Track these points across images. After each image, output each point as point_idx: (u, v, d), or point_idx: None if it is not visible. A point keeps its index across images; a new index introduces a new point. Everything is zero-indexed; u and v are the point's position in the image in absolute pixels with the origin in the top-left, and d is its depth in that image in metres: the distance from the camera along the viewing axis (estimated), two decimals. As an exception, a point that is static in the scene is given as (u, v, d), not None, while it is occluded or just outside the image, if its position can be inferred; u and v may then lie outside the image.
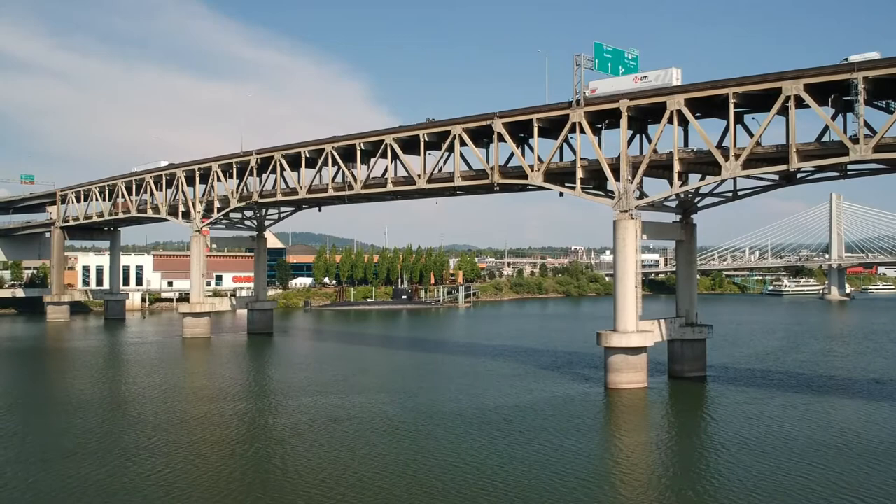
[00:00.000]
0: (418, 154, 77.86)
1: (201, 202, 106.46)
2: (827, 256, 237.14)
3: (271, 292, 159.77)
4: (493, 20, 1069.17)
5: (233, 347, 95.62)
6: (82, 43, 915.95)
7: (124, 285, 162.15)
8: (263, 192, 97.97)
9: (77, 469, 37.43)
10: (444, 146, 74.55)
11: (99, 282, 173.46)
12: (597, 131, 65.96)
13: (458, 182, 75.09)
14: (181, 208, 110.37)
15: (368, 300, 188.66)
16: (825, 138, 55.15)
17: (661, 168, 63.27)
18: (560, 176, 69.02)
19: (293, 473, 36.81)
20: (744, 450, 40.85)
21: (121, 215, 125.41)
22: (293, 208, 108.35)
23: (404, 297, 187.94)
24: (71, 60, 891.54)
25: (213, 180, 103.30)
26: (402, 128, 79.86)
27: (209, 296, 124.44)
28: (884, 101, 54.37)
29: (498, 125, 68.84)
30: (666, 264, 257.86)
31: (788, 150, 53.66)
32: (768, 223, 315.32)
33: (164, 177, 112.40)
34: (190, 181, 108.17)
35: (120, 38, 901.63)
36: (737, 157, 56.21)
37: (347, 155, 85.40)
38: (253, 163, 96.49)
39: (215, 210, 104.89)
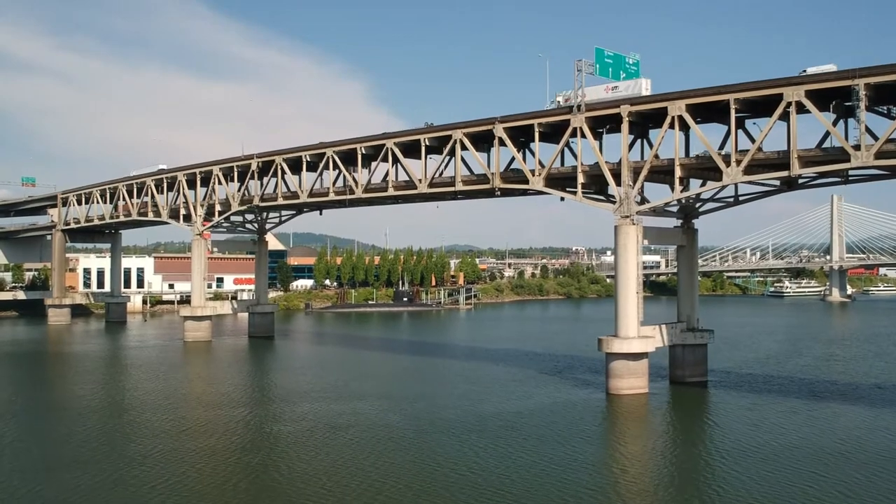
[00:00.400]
0: (419, 158, 77.90)
1: (202, 206, 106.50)
2: (828, 257, 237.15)
3: (272, 294, 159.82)
4: (494, 20, 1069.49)
5: (234, 351, 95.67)
6: (83, 43, 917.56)
7: (125, 287, 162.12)
8: (264, 195, 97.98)
9: (81, 478, 37.40)
10: (446, 150, 74.61)
11: (100, 284, 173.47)
12: (598, 136, 65.96)
13: (459, 187, 75.12)
14: (182, 212, 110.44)
15: (369, 302, 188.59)
16: (826, 144, 55.14)
17: (662, 173, 63.23)
18: (561, 181, 69.04)
19: (297, 483, 36.82)
20: (747, 458, 40.76)
21: (122, 218, 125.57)
22: (294, 212, 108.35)
23: (405, 299, 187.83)
24: (71, 60, 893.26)
25: (214, 184, 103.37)
26: (403, 132, 79.96)
27: (210, 298, 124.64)
28: (885, 107, 54.23)
29: (499, 130, 68.85)
30: (667, 266, 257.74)
31: (790, 156, 53.62)
32: (769, 223, 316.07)
33: (165, 180, 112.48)
34: (191, 184, 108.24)
35: (120, 39, 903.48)
36: (738, 162, 56.20)
37: (348, 159, 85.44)
38: (254, 166, 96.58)
39: (216, 213, 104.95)
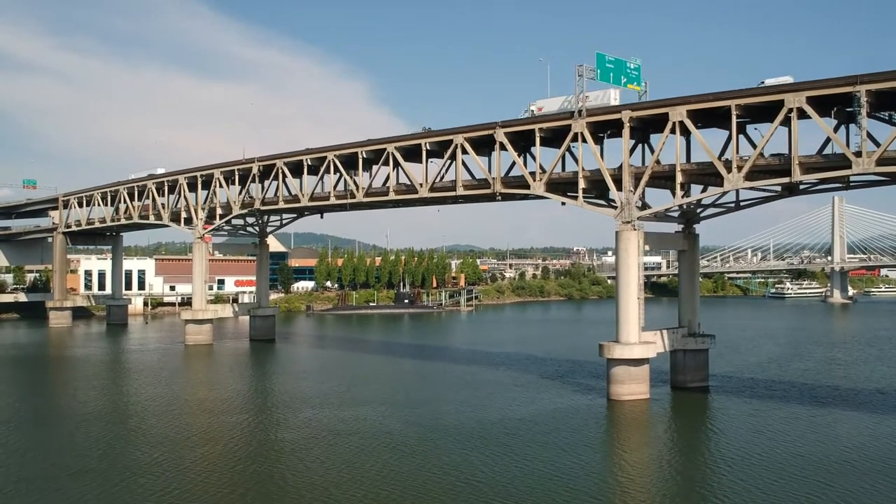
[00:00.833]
0: (420, 161, 77.91)
1: (203, 209, 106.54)
2: (829, 258, 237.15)
3: (273, 296, 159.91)
4: (494, 20, 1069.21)
5: (235, 355, 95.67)
6: (83, 43, 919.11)
7: (126, 289, 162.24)
8: (266, 199, 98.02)
9: (82, 487, 37.48)
10: (447, 154, 74.62)
11: (101, 285, 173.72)
12: (599, 141, 66.01)
13: (460, 192, 75.13)
14: (183, 215, 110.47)
15: (370, 304, 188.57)
16: (827, 149, 55.04)
17: (663, 178, 63.22)
18: (562, 186, 69.02)
19: (301, 491, 36.84)
20: (750, 467, 40.72)
21: (123, 221, 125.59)
22: (295, 215, 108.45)
23: (406, 301, 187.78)
24: (71, 60, 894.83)
25: (215, 187, 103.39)
26: (403, 136, 79.97)
27: (211, 300, 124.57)
28: (886, 113, 54.20)
29: (500, 135, 68.83)
30: (668, 267, 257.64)
31: (791, 163, 53.58)
32: (770, 223, 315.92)
33: (166, 183, 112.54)
34: (192, 187, 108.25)
35: (121, 39, 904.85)
36: (739, 168, 56.15)
37: (350, 162, 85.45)
38: (255, 170, 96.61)
39: (217, 217, 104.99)
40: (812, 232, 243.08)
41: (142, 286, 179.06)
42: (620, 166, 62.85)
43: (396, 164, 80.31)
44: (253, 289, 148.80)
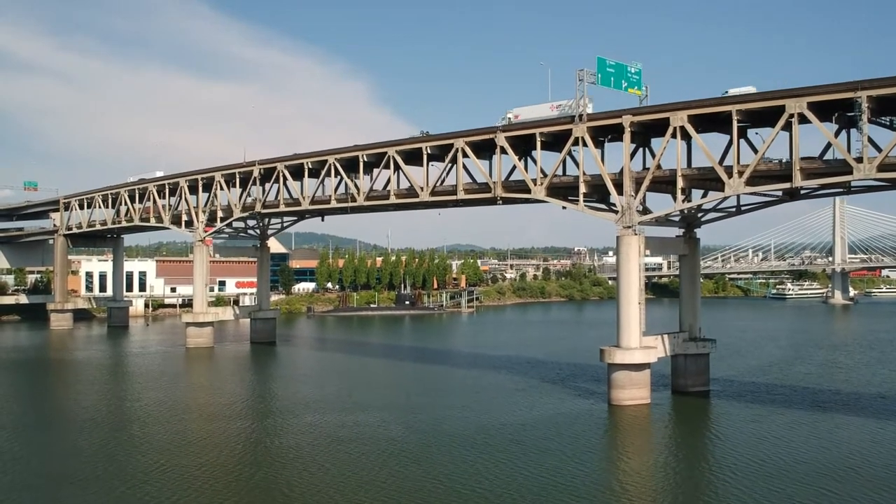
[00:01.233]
0: (421, 165, 77.90)
1: (204, 211, 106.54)
2: (830, 259, 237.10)
3: (274, 297, 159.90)
4: (495, 21, 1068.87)
5: (236, 359, 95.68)
6: (83, 43, 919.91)
7: (127, 291, 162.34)
8: (266, 202, 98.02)
9: (83, 496, 37.51)
10: (447, 158, 74.64)
11: (102, 287, 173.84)
12: (599, 145, 65.99)
13: (461, 196, 75.07)
14: (184, 217, 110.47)
15: (371, 306, 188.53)
16: (828, 154, 55.02)
17: (664, 183, 63.17)
18: (563, 190, 68.94)
19: (304, 498, 36.80)
20: (752, 474, 40.67)
21: (124, 224, 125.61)
22: (296, 218, 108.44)
23: (407, 302, 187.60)
24: (72, 60, 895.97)
25: (215, 189, 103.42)
26: (404, 140, 79.91)
27: (212, 301, 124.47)
28: (887, 118, 54.12)
29: (501, 139, 68.82)
30: (669, 268, 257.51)
31: (792, 168, 53.53)
32: (771, 223, 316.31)
33: (167, 185, 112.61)
34: (193, 190, 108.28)
35: (121, 39, 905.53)
36: (740, 174, 56.10)
37: (350, 166, 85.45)
38: (256, 173, 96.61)
39: (218, 220, 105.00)
40: (813, 232, 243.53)
41: (143, 288, 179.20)
42: (621, 171, 62.82)
43: (397, 168, 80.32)
44: (254, 290, 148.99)
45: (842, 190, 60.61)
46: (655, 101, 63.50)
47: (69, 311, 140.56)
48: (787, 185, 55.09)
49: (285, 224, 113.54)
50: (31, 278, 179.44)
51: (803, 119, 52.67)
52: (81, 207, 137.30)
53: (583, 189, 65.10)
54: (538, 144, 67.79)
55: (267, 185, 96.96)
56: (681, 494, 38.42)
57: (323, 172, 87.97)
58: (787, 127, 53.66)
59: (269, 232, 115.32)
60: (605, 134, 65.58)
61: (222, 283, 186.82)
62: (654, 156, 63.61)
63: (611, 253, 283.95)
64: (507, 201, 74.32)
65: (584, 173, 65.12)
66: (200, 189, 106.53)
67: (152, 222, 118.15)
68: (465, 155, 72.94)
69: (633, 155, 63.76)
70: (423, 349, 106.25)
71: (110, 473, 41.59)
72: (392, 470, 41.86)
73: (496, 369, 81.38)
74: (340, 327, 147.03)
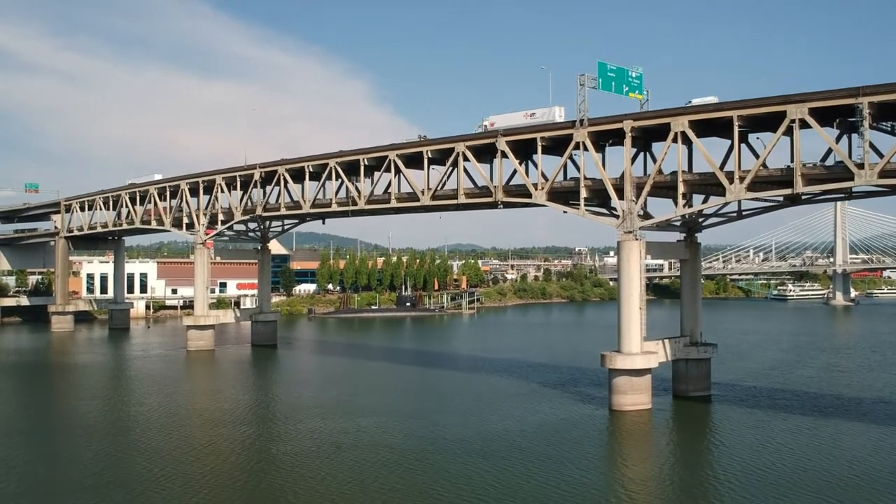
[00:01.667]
0: (422, 168, 77.93)
1: (205, 214, 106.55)
2: (831, 260, 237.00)
3: (275, 299, 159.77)
4: (495, 20, 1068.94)
5: (237, 362, 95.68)
6: (85, 43, 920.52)
7: (128, 292, 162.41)
8: (267, 205, 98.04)
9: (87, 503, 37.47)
10: (448, 162, 74.65)
11: (103, 289, 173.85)
12: (600, 149, 65.96)
13: (462, 200, 75.05)
14: (185, 220, 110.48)
15: (372, 307, 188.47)
16: (829, 159, 54.94)
17: (665, 188, 63.13)
18: (564, 194, 68.92)
19: (299, 510, 36.82)
20: (755, 482, 40.53)
21: (124, 226, 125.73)
22: (297, 220, 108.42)
23: (408, 304, 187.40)
24: (74, 60, 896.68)
25: (216, 192, 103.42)
26: (405, 144, 79.93)
27: (213, 303, 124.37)
28: (888, 124, 54.12)
29: (501, 143, 68.81)
30: (670, 269, 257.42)
31: (793, 174, 53.48)
32: (772, 224, 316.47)
33: (167, 188, 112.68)
34: (193, 193, 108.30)
35: (122, 39, 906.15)
36: (741, 179, 56.06)
37: (351, 169, 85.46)
38: (257, 176, 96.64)
39: (219, 222, 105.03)
40: (814, 232, 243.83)
41: (144, 289, 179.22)
42: (622, 175, 62.78)
43: (398, 171, 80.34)
44: (255, 292, 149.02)
45: (843, 195, 60.62)
46: (655, 102, 63.66)
47: (70, 314, 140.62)
48: (788, 191, 55.03)
49: (286, 226, 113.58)
50: (32, 280, 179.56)
51: (804, 124, 52.63)
52: (82, 210, 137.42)
53: (584, 194, 65.08)
54: (539, 149, 67.78)
55: (268, 188, 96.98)
56: (682, 502, 38.35)
57: (324, 176, 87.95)
58: (789, 132, 53.64)
59: (270, 234, 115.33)
60: (606, 139, 65.56)
61: (223, 285, 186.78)
62: (655, 160, 63.58)
63: (612, 253, 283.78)
64: (507, 206, 74.26)
65: (584, 178, 65.11)
66: (201, 192, 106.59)
67: (153, 225, 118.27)
68: (465, 159, 72.96)
69: (634, 160, 63.75)
70: (425, 352, 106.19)
71: (111, 480, 41.52)
72: (395, 477, 41.82)
73: (497, 373, 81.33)
74: (341, 329, 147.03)
